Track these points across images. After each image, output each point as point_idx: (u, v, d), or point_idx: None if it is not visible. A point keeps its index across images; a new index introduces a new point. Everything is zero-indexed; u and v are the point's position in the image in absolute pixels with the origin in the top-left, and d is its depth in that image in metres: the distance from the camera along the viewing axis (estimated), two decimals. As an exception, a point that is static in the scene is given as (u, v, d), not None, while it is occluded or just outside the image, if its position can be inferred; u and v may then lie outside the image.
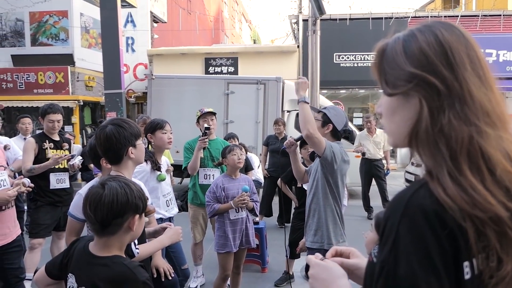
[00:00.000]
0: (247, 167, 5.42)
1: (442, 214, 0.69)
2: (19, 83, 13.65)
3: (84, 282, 1.41)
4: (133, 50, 15.28)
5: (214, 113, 4.12)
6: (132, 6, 13.59)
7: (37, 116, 8.10)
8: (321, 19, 7.80)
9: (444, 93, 0.73)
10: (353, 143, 8.39)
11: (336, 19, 13.55)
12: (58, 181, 3.96)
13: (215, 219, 3.61)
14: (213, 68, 13.90)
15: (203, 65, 13.92)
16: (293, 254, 4.19)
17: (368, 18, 13.35)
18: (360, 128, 13.38)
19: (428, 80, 0.74)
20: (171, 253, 3.17)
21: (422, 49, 0.76)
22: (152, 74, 9.28)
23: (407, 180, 8.57)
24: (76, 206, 2.23)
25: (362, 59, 14.22)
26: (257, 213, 3.63)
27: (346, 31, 13.70)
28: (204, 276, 4.29)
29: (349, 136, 8.48)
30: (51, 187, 3.90)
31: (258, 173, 6.99)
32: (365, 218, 6.97)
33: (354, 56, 14.23)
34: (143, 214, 1.48)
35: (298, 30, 14.37)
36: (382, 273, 0.72)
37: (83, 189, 2.29)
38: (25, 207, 5.90)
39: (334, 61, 14.17)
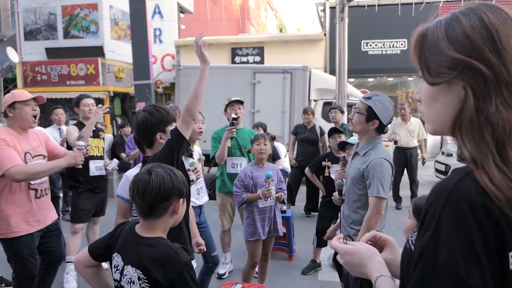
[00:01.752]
0: (274, 157, 5.45)
1: (488, 204, 0.67)
2: (53, 75, 14.10)
3: (130, 260, 1.49)
4: (160, 41, 15.47)
5: (241, 102, 4.16)
6: (160, -2, 13.73)
7: (70, 107, 8.39)
8: (349, 6, 7.67)
9: (491, 79, 0.70)
10: (383, 132, 8.27)
11: (364, 6, 13.26)
12: (96, 168, 4.12)
13: (243, 208, 3.68)
14: (239, 57, 13.92)
15: (229, 55, 13.97)
16: (320, 243, 4.21)
17: (397, 4, 12.98)
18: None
19: (474, 66, 0.71)
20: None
21: (466, 34, 0.72)
22: (179, 65, 9.41)
23: (437, 170, 8.40)
24: (123, 187, 2.35)
25: (391, 46, 13.90)
26: (285, 201, 3.68)
27: (374, 18, 13.39)
28: (232, 262, 4.38)
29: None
30: (90, 174, 4.05)
31: (285, 163, 7.02)
32: (394, 208, 6.89)
33: (382, 43, 13.93)
34: (185, 199, 1.56)
35: (325, 18, 14.15)
36: (421, 259, 0.72)
37: (130, 171, 2.39)
38: (61, 194, 6.19)
39: (362, 49, 13.92)
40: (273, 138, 3.92)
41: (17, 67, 14.41)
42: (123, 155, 7.34)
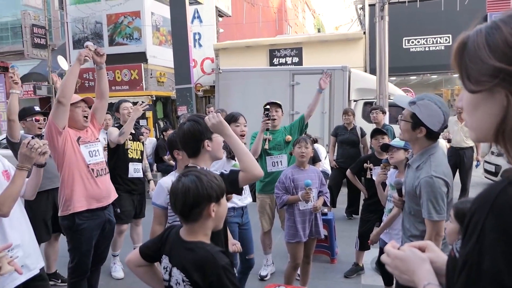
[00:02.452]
0: (315, 158, 5.42)
1: None
2: (87, 81, 14.76)
3: (176, 263, 1.58)
4: (200, 45, 15.79)
5: (279, 105, 4.21)
6: (199, 3, 14.03)
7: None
8: (389, 3, 7.51)
9: None
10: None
11: (405, 2, 12.90)
12: (135, 170, 4.31)
13: (283, 210, 3.71)
14: (278, 59, 13.95)
15: (267, 57, 14.03)
16: (363, 246, 4.15)
17: (441, -2, 12.54)
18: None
19: None
20: (240, 241, 3.32)
21: (507, 42, 0.72)
22: (219, 68, 9.56)
23: (486, 171, 8.03)
24: (157, 195, 2.48)
25: (434, 42, 13.46)
26: (328, 204, 3.67)
27: (416, 14, 13.01)
28: (274, 265, 4.41)
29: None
30: (129, 176, 4.25)
31: (325, 164, 6.96)
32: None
33: (425, 39, 13.51)
34: (220, 201, 1.59)
35: (364, 16, 13.90)
36: (465, 267, 0.73)
37: (164, 179, 2.52)
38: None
39: (403, 46, 13.56)
40: (314, 141, 3.91)
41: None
42: (166, 157, 7.57)
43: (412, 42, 13.60)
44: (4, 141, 6.34)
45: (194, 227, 1.57)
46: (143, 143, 4.56)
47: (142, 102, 4.16)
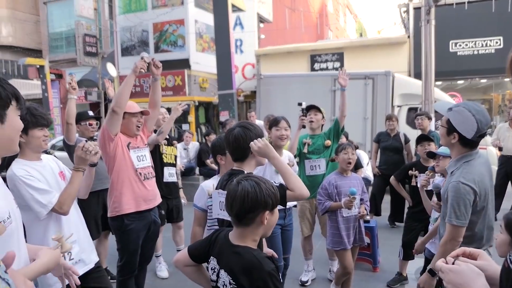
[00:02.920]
0: (356, 165, 5.36)
1: None
2: (145, 87, 15.34)
3: (223, 265, 1.63)
4: (241, 51, 16.04)
5: (318, 108, 4.23)
6: (241, 10, 14.28)
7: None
8: (435, 6, 7.31)
9: None
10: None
11: (452, 4, 12.47)
12: (169, 175, 4.40)
13: (325, 216, 3.71)
14: (319, 64, 13.89)
15: (308, 62, 14.01)
16: (407, 255, 4.06)
17: None
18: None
19: None
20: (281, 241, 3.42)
21: None
22: (260, 74, 9.67)
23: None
24: (198, 197, 2.57)
25: (484, 45, 12.89)
26: (368, 213, 3.63)
27: (464, 16, 12.54)
28: (315, 271, 4.40)
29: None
30: (164, 180, 4.32)
31: (367, 171, 6.86)
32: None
33: (473, 42, 12.97)
34: (274, 210, 1.64)
35: (409, 19, 13.56)
36: None
37: (205, 183, 2.62)
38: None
39: (450, 50, 13.09)
40: (355, 147, 3.90)
41: (115, 81, 15.91)
42: (208, 161, 7.75)
43: (460, 45, 13.11)
44: (60, 143, 6.75)
45: (245, 231, 1.61)
46: (176, 147, 4.67)
47: (180, 103, 4.21)
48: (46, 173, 2.36)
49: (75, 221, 2.50)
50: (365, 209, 3.53)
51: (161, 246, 4.57)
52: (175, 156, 4.56)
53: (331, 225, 3.52)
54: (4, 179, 2.16)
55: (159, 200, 3.42)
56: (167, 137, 4.31)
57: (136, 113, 3.22)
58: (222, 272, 1.62)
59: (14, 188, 2.21)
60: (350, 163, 3.46)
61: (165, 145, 4.40)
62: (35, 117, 2.30)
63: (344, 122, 4.26)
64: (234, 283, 1.56)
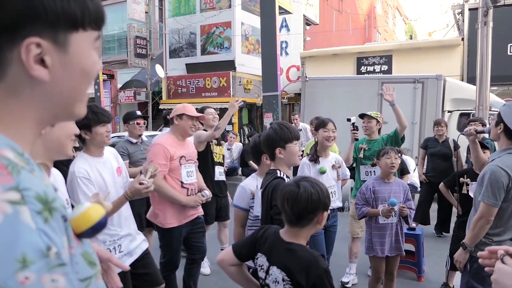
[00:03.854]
0: (403, 171, 5.21)
1: None
2: (191, 88, 15.72)
3: (275, 262, 1.64)
4: (286, 53, 16.03)
5: (370, 116, 4.30)
6: (289, 13, 14.28)
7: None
8: (494, 7, 6.94)
9: None
10: None
11: (511, 5, 11.79)
12: (219, 173, 4.50)
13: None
14: (365, 67, 13.60)
15: (355, 65, 13.75)
16: (455, 266, 3.88)
17: (556, 0, 11.23)
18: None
19: None
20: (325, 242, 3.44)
21: None
22: (306, 77, 9.63)
23: None
24: (239, 198, 2.58)
25: (545, 48, 12.07)
26: (410, 222, 3.50)
27: (524, 18, 11.80)
28: (357, 276, 4.31)
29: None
30: (215, 179, 4.41)
31: (414, 177, 6.62)
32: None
33: (534, 45, 12.18)
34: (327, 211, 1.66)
35: (463, 21, 12.96)
36: None
37: (246, 182, 2.63)
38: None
39: (509, 53, 12.36)
40: (399, 152, 3.79)
41: (163, 82, 16.43)
42: (251, 162, 7.81)
43: (519, 48, 12.35)
44: (116, 139, 7.09)
45: (300, 231, 1.63)
46: (222, 147, 4.76)
47: (237, 99, 4.21)
48: (104, 170, 2.50)
49: (125, 215, 2.62)
50: (407, 216, 3.39)
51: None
52: (223, 156, 4.67)
53: (366, 230, 3.49)
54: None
55: (201, 212, 3.50)
56: (218, 136, 4.37)
57: (193, 116, 3.34)
58: (274, 269, 1.63)
59: (70, 183, 2.36)
60: (393, 167, 3.37)
61: (214, 145, 4.49)
62: (96, 114, 2.44)
63: (404, 132, 4.28)
64: (288, 279, 1.57)
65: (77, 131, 1.38)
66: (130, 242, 2.60)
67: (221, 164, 4.59)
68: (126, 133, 4.81)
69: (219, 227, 4.77)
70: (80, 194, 2.32)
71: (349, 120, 4.11)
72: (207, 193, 3.39)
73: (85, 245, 0.70)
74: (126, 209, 2.65)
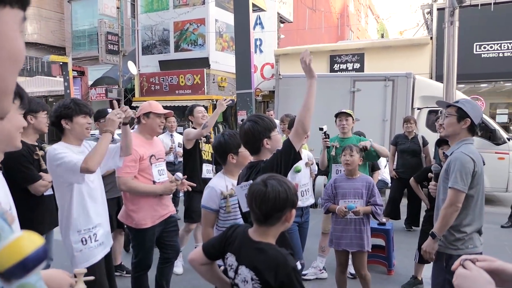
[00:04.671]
0: (373, 167, 5.33)
1: None
2: (164, 85, 15.52)
3: (244, 261, 1.63)
4: (260, 51, 16.05)
5: (349, 114, 4.28)
6: (262, 10, 14.28)
7: (178, 115, 8.96)
8: (460, 7, 7.16)
9: None
10: (496, 143, 7.54)
11: (477, 5, 12.19)
12: (207, 171, 4.44)
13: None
14: (338, 65, 13.78)
15: (328, 63, 13.91)
16: (423, 259, 4.00)
17: (519, 1, 11.69)
18: (504, 126, 11.83)
19: None
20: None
21: None
22: (279, 74, 9.66)
23: None
24: (208, 198, 2.49)
25: (509, 48, 12.55)
26: (378, 218, 3.52)
27: (489, 18, 12.23)
28: (326, 272, 4.37)
29: (491, 136, 7.63)
30: (202, 176, 4.36)
31: (385, 173, 6.79)
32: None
33: (499, 45, 12.64)
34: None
35: (432, 20, 13.32)
36: None
37: (214, 182, 2.56)
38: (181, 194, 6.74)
39: (474, 52, 12.79)
40: (364, 149, 3.85)
41: (135, 79, 16.15)
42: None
43: (484, 47, 12.80)
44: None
45: (269, 230, 1.62)
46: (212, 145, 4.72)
47: (225, 98, 4.19)
48: (82, 156, 2.48)
49: (102, 207, 2.66)
50: (373, 212, 3.41)
51: (186, 242, 4.57)
52: (212, 154, 4.56)
53: (331, 224, 3.58)
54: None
55: (173, 211, 3.46)
56: (205, 134, 4.32)
57: (161, 114, 3.30)
58: (243, 268, 1.62)
59: (50, 167, 2.42)
60: (347, 164, 3.44)
61: (203, 142, 4.45)
62: (78, 105, 2.51)
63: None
64: (257, 278, 1.57)
65: (25, 123, 1.36)
66: (104, 234, 2.62)
67: (210, 161, 4.54)
68: (97, 131, 4.69)
69: (199, 224, 4.70)
70: (61, 161, 2.35)
71: (321, 129, 4.09)
72: (180, 175, 3.33)
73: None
74: (102, 197, 2.67)
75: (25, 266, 0.58)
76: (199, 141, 4.34)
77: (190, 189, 3.36)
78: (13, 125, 1.26)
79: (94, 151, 2.41)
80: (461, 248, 2.56)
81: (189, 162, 4.30)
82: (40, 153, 3.07)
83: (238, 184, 2.24)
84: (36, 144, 3.11)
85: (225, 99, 4.10)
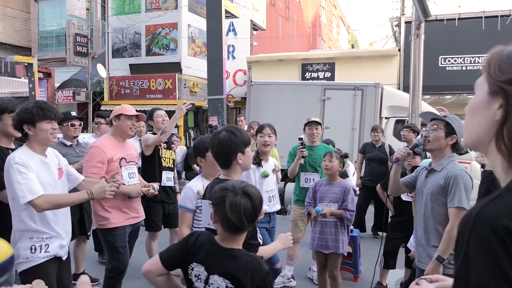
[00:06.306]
0: (342, 175, 5.38)
1: None
2: (135, 89, 15.25)
3: (216, 270, 1.58)
4: (233, 57, 16.07)
5: (319, 123, 4.30)
6: (235, 17, 14.32)
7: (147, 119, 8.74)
8: (426, 21, 7.41)
9: None
10: (459, 153, 7.80)
11: (443, 20, 12.69)
12: (167, 179, 4.28)
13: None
14: (310, 73, 13.97)
15: (299, 71, 14.09)
16: (388, 264, 4.08)
17: (481, 17, 12.26)
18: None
19: None
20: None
21: None
22: (251, 81, 9.69)
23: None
24: (185, 198, 2.48)
25: (472, 61, 13.11)
26: (348, 223, 3.57)
27: (454, 32, 12.77)
28: (296, 279, 4.37)
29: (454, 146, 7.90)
30: (162, 184, 4.18)
31: (353, 181, 6.86)
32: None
33: (462, 58, 13.19)
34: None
35: (400, 33, 13.75)
36: (456, 283, 0.79)
37: (192, 183, 2.54)
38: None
39: (439, 65, 13.29)
40: (345, 156, 3.91)
41: (105, 82, 15.80)
42: (195, 166, 7.70)
43: (449, 60, 13.32)
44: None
45: (238, 236, 1.61)
46: (175, 151, 4.62)
47: (185, 102, 4.10)
48: (45, 168, 2.39)
49: (64, 215, 2.54)
50: (342, 216, 3.48)
51: (156, 251, 4.33)
52: (173, 160, 4.43)
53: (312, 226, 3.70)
54: None
55: (142, 216, 3.46)
56: (166, 140, 4.20)
57: (132, 116, 3.27)
58: (216, 277, 1.57)
59: (6, 172, 2.28)
60: (326, 169, 3.56)
61: (164, 148, 4.28)
62: (42, 110, 2.34)
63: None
64: (233, 286, 1.54)
65: None
66: (60, 246, 2.47)
67: (171, 168, 4.35)
68: (61, 135, 4.53)
69: (171, 234, 4.50)
70: (20, 176, 2.23)
71: (300, 139, 4.11)
72: (156, 186, 3.41)
73: None
74: (66, 210, 2.55)
75: None
76: (159, 147, 4.17)
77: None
78: None
79: (57, 199, 2.34)
80: None
81: (147, 169, 4.11)
82: None
83: (206, 196, 2.16)
84: (13, 147, 2.84)
85: (184, 103, 4.00)
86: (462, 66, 13.25)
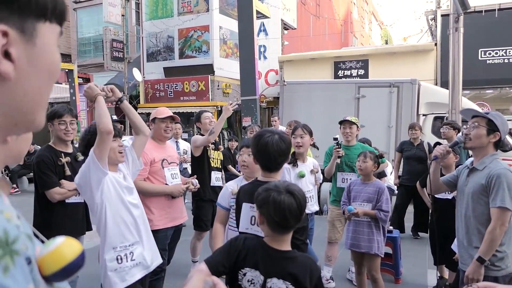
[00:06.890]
0: (380, 174, 5.28)
1: None
2: (169, 91, 15.57)
3: (274, 273, 1.58)
4: (265, 58, 16.08)
5: (353, 122, 4.25)
6: (266, 17, 14.34)
7: (183, 122, 8.92)
8: (464, 13, 7.14)
9: None
10: (503, 150, 7.48)
11: (481, 11, 12.18)
12: (216, 179, 4.33)
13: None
14: (343, 71, 13.78)
15: (332, 69, 13.92)
16: (441, 260, 3.92)
17: (523, 7, 11.67)
18: (510, 133, 11.73)
19: None
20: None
21: None
22: (284, 81, 9.68)
23: None
24: (221, 196, 2.69)
25: (515, 53, 12.53)
26: (382, 224, 3.50)
27: (493, 24, 12.23)
28: (335, 281, 4.33)
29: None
30: (211, 184, 4.26)
31: (391, 180, 6.72)
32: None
33: (504, 51, 12.62)
34: None
35: (436, 27, 13.32)
36: None
37: (230, 183, 2.71)
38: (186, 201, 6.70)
39: (479, 58, 12.77)
40: (380, 156, 3.84)
41: (140, 85, 16.22)
42: (230, 167, 7.76)
43: (489, 53, 12.77)
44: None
45: (287, 237, 1.62)
46: (221, 152, 4.65)
47: (231, 102, 4.14)
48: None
49: (137, 220, 2.53)
50: (378, 215, 3.42)
51: (199, 251, 4.43)
52: (221, 161, 4.50)
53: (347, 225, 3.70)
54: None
55: (185, 218, 3.55)
56: (214, 141, 4.26)
57: (165, 118, 3.38)
58: (275, 280, 1.56)
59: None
60: (360, 169, 3.56)
61: (212, 149, 4.34)
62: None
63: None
64: (293, 287, 1.57)
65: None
66: (143, 251, 2.48)
67: (219, 169, 4.41)
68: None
69: (210, 234, 4.60)
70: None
71: (335, 139, 4.09)
72: (195, 181, 3.49)
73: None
74: (141, 220, 2.54)
75: (67, 271, 0.63)
76: (207, 148, 4.23)
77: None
78: (27, 144, 1.24)
79: (97, 116, 2.33)
80: (503, 268, 2.39)
81: (197, 170, 4.16)
82: (66, 159, 2.97)
83: (241, 199, 2.13)
84: (70, 152, 3.02)
85: (231, 103, 4.06)
86: (503, 59, 12.68)
